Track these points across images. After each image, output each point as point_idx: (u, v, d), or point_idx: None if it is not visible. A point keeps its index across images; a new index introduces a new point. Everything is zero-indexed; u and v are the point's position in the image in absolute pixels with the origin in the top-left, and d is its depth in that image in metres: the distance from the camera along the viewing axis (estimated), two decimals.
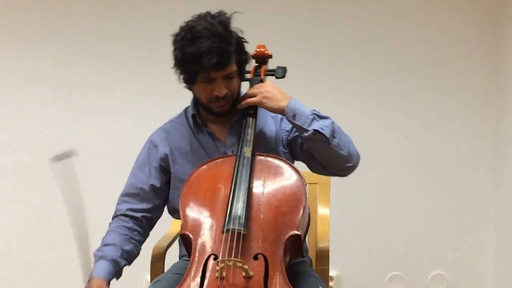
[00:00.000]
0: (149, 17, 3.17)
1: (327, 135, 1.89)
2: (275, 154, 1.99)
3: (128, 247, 1.97)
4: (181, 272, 1.90)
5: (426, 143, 3.28)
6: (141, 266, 2.96)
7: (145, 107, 3.17)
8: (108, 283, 1.85)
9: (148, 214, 2.04)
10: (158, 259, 2.16)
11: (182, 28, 1.92)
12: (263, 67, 2.11)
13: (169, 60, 3.12)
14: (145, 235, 2.05)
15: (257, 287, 1.64)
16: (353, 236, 3.17)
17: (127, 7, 3.16)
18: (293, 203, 1.82)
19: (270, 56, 2.12)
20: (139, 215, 2.03)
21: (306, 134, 1.90)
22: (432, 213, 3.29)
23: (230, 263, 1.62)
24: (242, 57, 1.98)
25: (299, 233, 1.76)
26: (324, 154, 1.95)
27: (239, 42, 1.94)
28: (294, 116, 1.91)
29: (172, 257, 2.21)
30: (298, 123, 1.91)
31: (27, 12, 3.11)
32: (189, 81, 1.94)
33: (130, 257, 1.98)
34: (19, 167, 3.13)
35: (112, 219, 2.08)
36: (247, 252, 1.70)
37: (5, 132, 3.13)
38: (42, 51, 3.13)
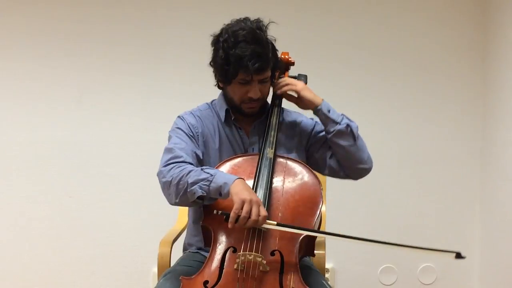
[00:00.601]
0: (160, 22, 3.14)
1: (355, 132, 1.99)
2: (296, 155, 2.03)
3: None
4: (189, 264, 1.98)
5: (416, 143, 3.27)
6: (148, 260, 3.03)
7: (154, 109, 3.13)
8: None
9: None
10: (164, 252, 2.15)
11: (225, 31, 1.92)
12: (286, 73, 2.13)
13: (179, 63, 3.06)
14: None
15: (272, 281, 1.67)
16: (347, 231, 3.08)
17: (138, 13, 3.12)
18: (310, 205, 1.85)
19: (293, 64, 2.15)
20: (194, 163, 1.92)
21: (338, 127, 1.97)
22: (421, 209, 3.28)
23: (251, 257, 1.67)
24: (276, 63, 2.00)
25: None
26: (349, 151, 2.01)
27: (274, 50, 1.97)
28: (329, 111, 1.99)
29: (177, 251, 2.22)
30: (332, 117, 1.98)
31: (41, 19, 3.07)
32: (226, 81, 1.94)
33: None
34: (34, 165, 3.08)
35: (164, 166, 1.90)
36: (265, 248, 1.72)
37: (20, 132, 3.08)
38: (55, 55, 3.08)
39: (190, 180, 1.76)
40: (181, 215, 2.45)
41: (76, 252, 3.13)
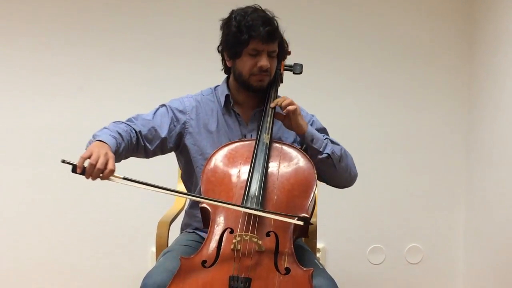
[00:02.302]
0: (160, 13, 3.12)
1: (336, 161, 1.98)
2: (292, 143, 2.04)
3: (125, 134, 1.91)
4: (186, 244, 2.00)
5: (405, 129, 3.29)
6: (147, 240, 3.00)
7: (153, 95, 2.88)
8: (112, 151, 1.75)
9: (142, 139, 1.98)
10: (162, 233, 2.19)
11: (235, 11, 1.99)
12: (282, 63, 2.13)
13: (179, 52, 3.08)
14: (132, 143, 1.95)
15: (267, 261, 1.69)
16: (338, 213, 3.16)
17: (138, 3, 3.12)
18: (304, 188, 1.86)
19: (289, 53, 2.14)
20: (137, 129, 1.97)
21: (320, 157, 1.96)
22: (409, 192, 3.30)
23: (247, 238, 1.68)
24: (283, 43, 2.03)
25: (308, 215, 1.78)
26: (330, 175, 2.03)
27: (280, 32, 2.00)
28: (312, 140, 1.97)
29: (174, 231, 2.25)
30: (315, 146, 1.96)
31: (43, 9, 3.05)
32: (237, 54, 1.96)
33: (127, 144, 1.91)
34: (38, 149, 3.08)
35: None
36: (260, 229, 1.73)
37: (25, 117, 3.07)
38: (58, 44, 3.07)
39: (95, 133, 1.87)
40: (178, 198, 2.46)
41: (78, 232, 3.13)
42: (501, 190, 2.93)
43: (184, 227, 2.19)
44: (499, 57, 2.95)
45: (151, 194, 2.90)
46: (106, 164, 1.67)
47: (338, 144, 2.05)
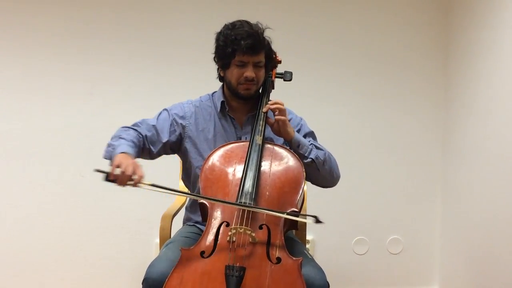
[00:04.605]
0: (165, 23, 3.12)
1: (319, 165, 1.99)
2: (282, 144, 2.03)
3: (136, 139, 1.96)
4: (187, 236, 2.01)
5: (388, 130, 3.30)
6: (152, 232, 3.04)
7: (156, 101, 2.74)
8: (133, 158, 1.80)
9: (147, 142, 2.02)
10: (166, 226, 2.18)
11: (225, 25, 1.99)
12: (274, 70, 2.15)
13: (182, 61, 3.06)
14: (141, 147, 1.99)
15: (260, 252, 1.69)
16: (326, 207, 2.99)
17: (145, 14, 3.11)
18: (294, 185, 1.87)
19: (280, 62, 2.17)
20: (143, 134, 2.01)
21: (305, 161, 1.97)
22: (391, 188, 3.31)
23: (241, 230, 1.68)
24: (270, 53, 2.03)
25: (297, 209, 1.81)
26: (314, 176, 2.04)
27: (269, 43, 2.01)
28: (298, 145, 1.98)
29: (176, 223, 2.25)
30: (301, 152, 1.97)
31: (56, 21, 3.05)
32: (225, 65, 1.98)
33: (139, 149, 1.95)
34: (51, 149, 3.07)
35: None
36: (254, 222, 1.74)
37: (38, 120, 3.06)
38: (69, 53, 3.07)
39: (109, 141, 1.91)
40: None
41: (86, 223, 3.14)
42: (473, 186, 2.95)
43: (185, 221, 2.21)
44: (472, 65, 2.97)
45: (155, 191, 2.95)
46: (135, 171, 1.70)
47: (322, 149, 2.05)
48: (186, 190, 2.23)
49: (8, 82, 3.05)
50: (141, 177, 1.70)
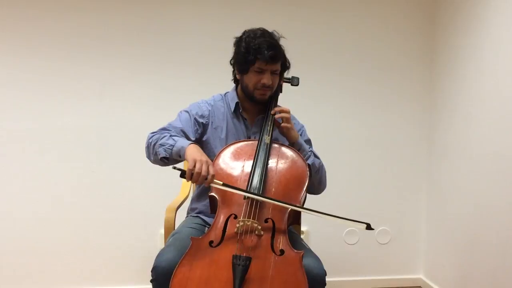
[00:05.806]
0: (173, 28, 3.10)
1: (313, 171, 2.01)
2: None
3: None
4: (191, 226, 2.02)
5: (378, 129, 3.31)
6: (157, 223, 3.03)
7: (164, 101, 3.09)
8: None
9: None
10: (170, 217, 2.17)
11: (246, 32, 2.00)
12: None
13: (189, 63, 3.04)
14: None
15: (265, 243, 1.71)
16: (319, 201, 3.04)
17: (153, 19, 3.09)
18: (298, 182, 1.87)
19: (288, 68, 2.14)
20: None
21: None
22: (379, 182, 3.33)
23: (249, 223, 1.71)
24: (285, 62, 2.05)
25: (300, 205, 1.84)
26: None
27: (284, 53, 2.03)
28: (299, 149, 2.01)
29: (180, 215, 2.24)
30: (301, 155, 1.99)
31: (68, 25, 3.03)
32: (244, 70, 1.99)
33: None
34: (64, 146, 3.06)
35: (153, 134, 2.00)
36: (260, 216, 1.75)
37: (52, 119, 3.04)
38: (81, 55, 3.05)
39: (158, 143, 1.89)
40: (184, 187, 2.48)
41: (96, 215, 3.14)
42: (456, 181, 2.98)
43: (190, 211, 2.20)
44: (456, 69, 2.99)
45: (161, 184, 2.96)
46: (208, 171, 1.73)
47: (318, 158, 2.08)
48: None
49: (24, 84, 3.04)
50: (212, 176, 1.73)
